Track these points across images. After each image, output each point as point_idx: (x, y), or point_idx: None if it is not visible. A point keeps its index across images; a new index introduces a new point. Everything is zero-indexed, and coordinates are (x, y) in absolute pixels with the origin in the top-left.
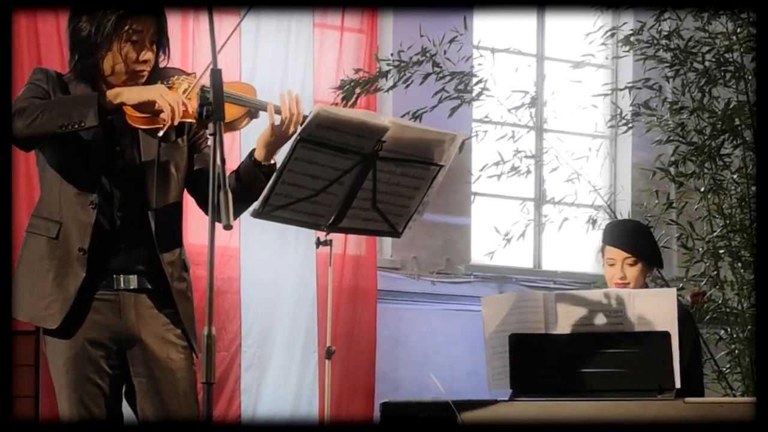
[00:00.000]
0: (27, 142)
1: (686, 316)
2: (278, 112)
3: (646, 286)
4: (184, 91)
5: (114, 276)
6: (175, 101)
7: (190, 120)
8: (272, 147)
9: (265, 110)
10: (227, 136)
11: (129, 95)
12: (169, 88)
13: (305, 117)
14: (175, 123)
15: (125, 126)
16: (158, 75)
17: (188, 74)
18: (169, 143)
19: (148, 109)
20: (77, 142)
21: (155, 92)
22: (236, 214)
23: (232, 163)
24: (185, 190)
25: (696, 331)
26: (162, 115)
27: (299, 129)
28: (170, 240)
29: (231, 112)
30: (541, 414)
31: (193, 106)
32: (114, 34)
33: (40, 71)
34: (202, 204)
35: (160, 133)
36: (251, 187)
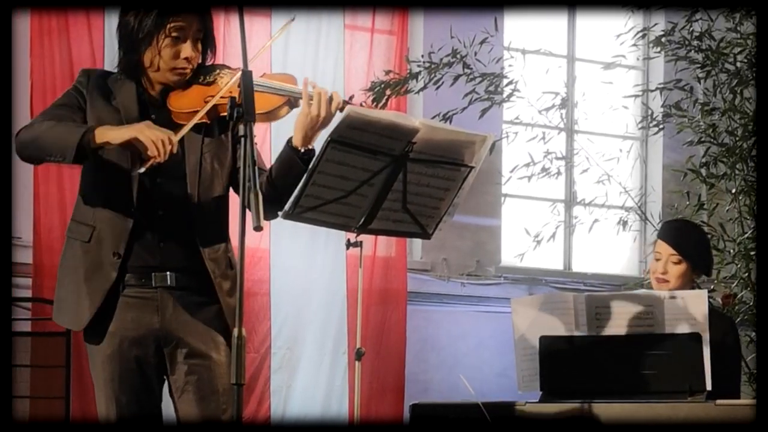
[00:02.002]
0: (23, 158)
1: (719, 320)
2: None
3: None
4: (225, 84)
5: (153, 274)
6: (157, 137)
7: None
8: (307, 130)
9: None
10: (259, 130)
11: (113, 135)
12: (212, 82)
13: (342, 102)
14: (164, 158)
15: (169, 123)
16: (202, 71)
17: (233, 69)
18: (213, 139)
19: (133, 147)
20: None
21: (136, 130)
22: (271, 214)
23: (263, 158)
24: (230, 186)
25: (735, 337)
26: (148, 152)
27: (331, 130)
28: (214, 236)
29: (271, 101)
30: (571, 416)
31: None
32: (155, 29)
33: (83, 73)
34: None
35: (142, 169)
36: (288, 174)
